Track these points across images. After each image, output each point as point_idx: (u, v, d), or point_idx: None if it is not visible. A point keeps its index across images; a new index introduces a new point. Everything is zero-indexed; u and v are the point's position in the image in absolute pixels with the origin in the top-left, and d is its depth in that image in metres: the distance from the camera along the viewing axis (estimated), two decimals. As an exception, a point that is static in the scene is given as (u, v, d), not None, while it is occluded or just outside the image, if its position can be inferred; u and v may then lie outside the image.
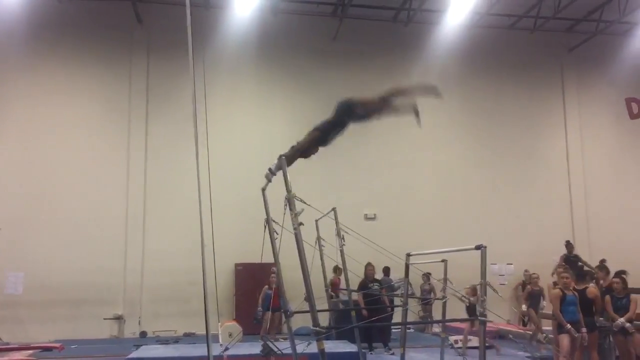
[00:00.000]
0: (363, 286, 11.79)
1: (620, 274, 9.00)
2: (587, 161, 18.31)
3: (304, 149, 5.98)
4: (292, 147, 5.96)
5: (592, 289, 8.57)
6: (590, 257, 16.08)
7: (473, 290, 10.38)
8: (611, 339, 8.65)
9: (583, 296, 8.33)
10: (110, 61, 16.22)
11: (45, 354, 10.53)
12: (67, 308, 14.81)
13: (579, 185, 18.13)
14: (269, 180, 5.86)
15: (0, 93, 15.54)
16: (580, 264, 13.52)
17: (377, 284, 12.08)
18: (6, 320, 14.06)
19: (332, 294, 13.17)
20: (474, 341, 11.35)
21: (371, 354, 11.42)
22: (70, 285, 14.81)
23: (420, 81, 6.20)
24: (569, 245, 14.92)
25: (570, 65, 18.77)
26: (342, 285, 12.95)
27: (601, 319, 8.56)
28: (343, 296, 12.39)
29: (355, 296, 11.76)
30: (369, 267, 12.04)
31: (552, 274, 12.67)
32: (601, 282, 9.51)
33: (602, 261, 10.53)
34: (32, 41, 15.78)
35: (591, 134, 18.51)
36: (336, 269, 12.27)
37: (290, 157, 5.71)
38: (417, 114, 6.21)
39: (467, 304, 10.34)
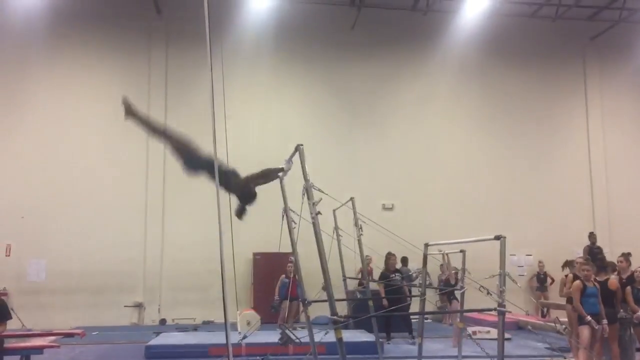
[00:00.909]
0: (384, 276, 11.75)
1: None
2: (609, 151, 18.05)
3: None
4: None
5: (613, 280, 8.47)
6: (611, 248, 15.85)
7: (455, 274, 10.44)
8: (632, 330, 8.55)
9: (604, 288, 8.24)
10: (129, 51, 16.33)
11: (67, 340, 10.68)
12: (89, 295, 15.04)
13: (601, 176, 17.89)
14: (286, 170, 5.90)
15: (21, 84, 15.74)
16: (600, 256, 13.37)
17: (398, 274, 12.01)
18: (29, 307, 14.29)
19: (363, 282, 13.19)
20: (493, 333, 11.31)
21: (388, 343, 11.42)
22: (91, 272, 15.03)
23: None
24: (592, 236, 14.73)
25: (593, 54, 18.46)
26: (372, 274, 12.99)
27: (621, 310, 8.46)
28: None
29: (375, 286, 11.77)
30: (390, 257, 11.96)
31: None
32: (619, 272, 9.36)
33: (627, 254, 10.30)
34: (52, 32, 15.93)
35: (613, 124, 18.23)
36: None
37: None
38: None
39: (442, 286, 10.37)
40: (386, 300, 11.01)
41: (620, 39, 18.25)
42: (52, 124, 15.69)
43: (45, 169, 15.44)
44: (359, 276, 13.52)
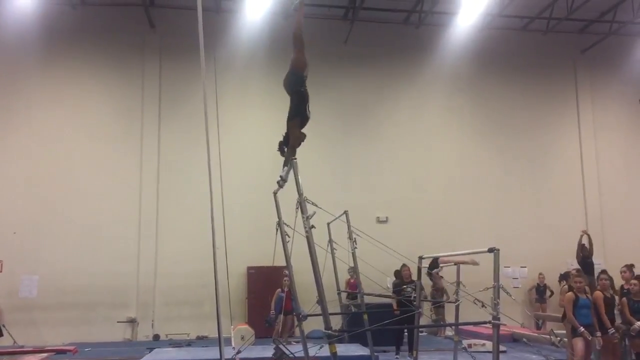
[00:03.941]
0: (397, 287, 11.63)
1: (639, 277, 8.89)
2: (601, 162, 18.15)
3: (296, 141, 6.12)
4: (281, 143, 6.10)
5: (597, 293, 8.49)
6: (605, 259, 15.95)
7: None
8: (627, 342, 8.55)
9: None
10: (123, 66, 16.33)
11: (60, 357, 10.60)
12: (81, 311, 14.91)
13: (593, 187, 17.97)
14: (281, 187, 5.89)
15: (15, 99, 15.69)
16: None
17: (412, 286, 11.75)
18: (21, 323, 14.16)
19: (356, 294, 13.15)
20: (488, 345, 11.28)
21: (397, 357, 11.29)
22: (84, 288, 14.91)
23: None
24: (584, 249, 14.78)
25: (584, 67, 18.63)
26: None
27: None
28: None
29: (367, 299, 11.68)
30: (404, 268, 11.70)
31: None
32: (621, 282, 9.38)
33: (630, 265, 10.31)
34: (46, 47, 15.92)
35: (605, 135, 18.36)
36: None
37: (291, 155, 5.83)
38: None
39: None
40: (398, 312, 10.84)
41: (610, 52, 18.43)
42: (44, 138, 15.64)
43: (37, 184, 15.36)
44: (347, 288, 13.49)
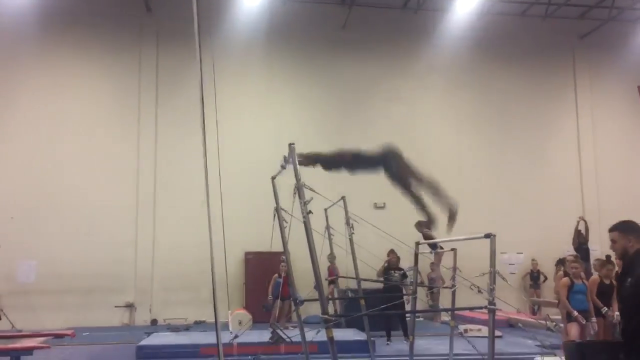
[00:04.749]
0: (384, 273, 11.67)
1: None
2: (599, 149, 18.16)
3: (328, 162, 6.10)
4: (317, 154, 6.07)
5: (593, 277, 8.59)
6: (601, 245, 15.98)
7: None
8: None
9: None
10: (119, 50, 16.24)
11: (58, 341, 10.62)
12: (79, 296, 14.96)
13: (591, 173, 18.00)
14: (283, 168, 5.87)
15: (11, 83, 15.62)
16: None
17: (399, 271, 11.79)
18: (19, 308, 14.20)
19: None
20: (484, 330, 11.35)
21: (388, 343, 11.33)
22: (82, 273, 14.94)
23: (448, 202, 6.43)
24: (580, 235, 14.84)
25: (582, 52, 18.57)
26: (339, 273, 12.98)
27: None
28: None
29: (363, 285, 11.72)
30: (390, 254, 11.83)
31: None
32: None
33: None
34: (42, 31, 15.82)
35: (603, 122, 18.35)
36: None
37: (311, 160, 5.78)
38: (452, 217, 6.40)
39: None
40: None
41: (609, 38, 18.36)
42: (42, 123, 15.59)
43: (35, 169, 15.34)
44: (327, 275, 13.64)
